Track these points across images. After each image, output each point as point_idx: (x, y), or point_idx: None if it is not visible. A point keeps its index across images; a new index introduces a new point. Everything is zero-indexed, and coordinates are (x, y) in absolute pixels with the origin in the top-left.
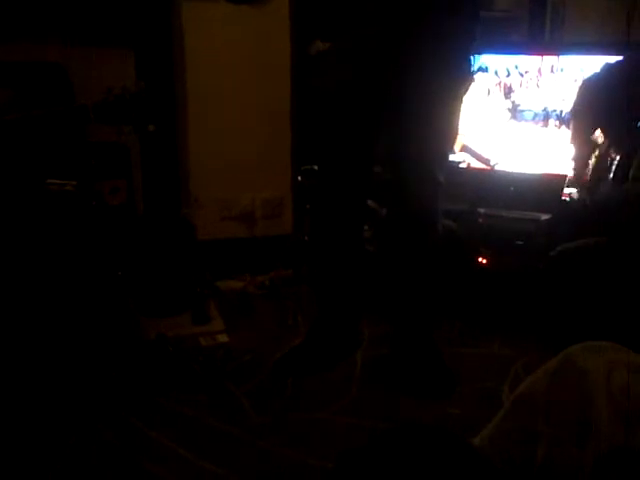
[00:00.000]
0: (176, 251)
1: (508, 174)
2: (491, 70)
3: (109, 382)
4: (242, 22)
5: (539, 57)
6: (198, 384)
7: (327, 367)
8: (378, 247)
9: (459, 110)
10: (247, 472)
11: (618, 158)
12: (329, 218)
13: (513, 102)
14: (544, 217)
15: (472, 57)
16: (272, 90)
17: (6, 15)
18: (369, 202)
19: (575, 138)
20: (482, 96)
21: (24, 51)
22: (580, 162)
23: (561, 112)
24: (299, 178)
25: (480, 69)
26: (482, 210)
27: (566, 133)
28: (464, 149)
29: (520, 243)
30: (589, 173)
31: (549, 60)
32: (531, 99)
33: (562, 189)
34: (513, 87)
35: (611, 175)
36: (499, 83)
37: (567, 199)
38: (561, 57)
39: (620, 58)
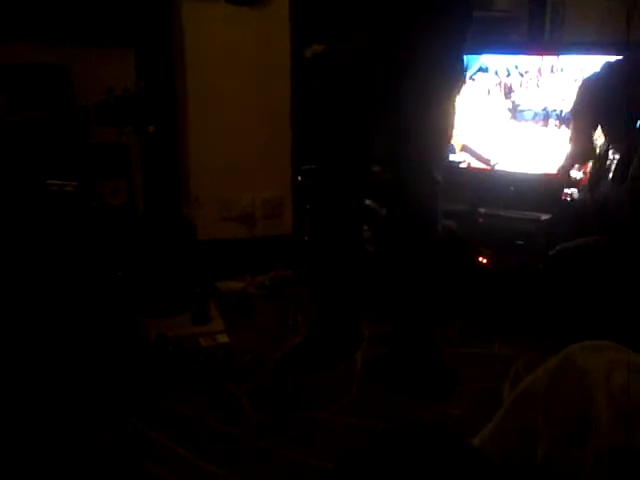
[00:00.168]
0: (176, 251)
1: (508, 174)
2: (491, 70)
3: (109, 382)
4: (242, 22)
5: (539, 57)
6: (198, 384)
7: (327, 367)
8: (378, 247)
9: (454, 109)
10: (247, 472)
11: (618, 157)
12: (328, 218)
13: (513, 102)
14: (544, 217)
15: (464, 57)
16: (272, 90)
17: (6, 17)
18: (369, 202)
19: (574, 138)
20: (482, 96)
21: (25, 52)
22: (573, 161)
23: (561, 112)
24: (299, 178)
25: (480, 69)
26: (482, 210)
27: (566, 133)
28: (464, 149)
29: (520, 243)
30: (589, 173)
31: (549, 60)
32: (531, 99)
33: (562, 189)
34: (513, 87)
35: (611, 174)
36: (499, 83)
37: (567, 199)
38: (561, 57)
39: (620, 58)
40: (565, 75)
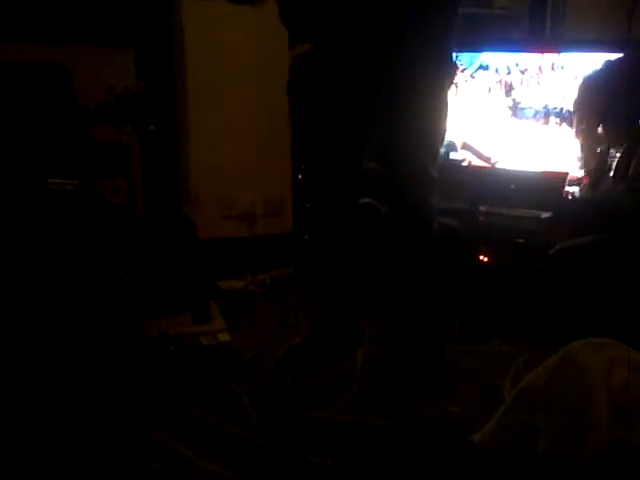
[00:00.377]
0: (177, 250)
1: (509, 172)
2: (492, 68)
3: (110, 381)
4: (243, 22)
5: (539, 54)
6: (199, 383)
7: (328, 365)
8: (378, 244)
9: (446, 104)
10: (248, 470)
11: (618, 156)
12: (324, 216)
13: (514, 100)
14: (545, 215)
15: (453, 52)
16: (272, 89)
17: (7, 16)
18: (370, 200)
19: (580, 135)
20: (483, 94)
21: (25, 51)
22: (589, 156)
23: (562, 109)
24: (299, 177)
25: (481, 67)
26: (483, 208)
27: (567, 130)
28: (465, 147)
29: (521, 241)
30: (589, 171)
31: (549, 57)
32: (532, 97)
33: (563, 187)
34: (514, 85)
35: (611, 173)
36: (500, 81)
37: (568, 197)
38: (562, 54)
39: (620, 56)
40: (566, 73)
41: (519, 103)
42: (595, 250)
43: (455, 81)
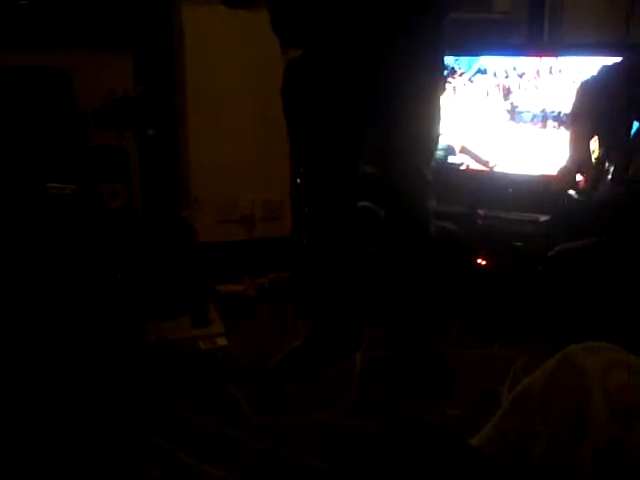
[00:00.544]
0: (176, 254)
1: (507, 175)
2: (490, 72)
3: (109, 385)
4: (241, 26)
5: (538, 58)
6: (198, 387)
7: (327, 369)
8: (376, 248)
9: (440, 108)
10: (247, 474)
11: (616, 159)
12: (322, 219)
13: (512, 103)
14: (543, 218)
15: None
16: (271, 93)
17: (6, 21)
18: (369, 204)
19: (574, 143)
20: (481, 98)
21: (25, 56)
22: (575, 164)
23: (559, 113)
24: (298, 180)
25: (479, 71)
26: (481, 211)
27: (564, 134)
28: (463, 151)
29: (519, 244)
30: (587, 174)
31: (547, 61)
32: (530, 100)
33: (566, 192)
34: (512, 89)
35: (609, 176)
36: (498, 85)
37: (566, 200)
38: (559, 58)
39: (619, 60)
40: (563, 76)
41: (517, 107)
42: (594, 253)
43: (448, 85)
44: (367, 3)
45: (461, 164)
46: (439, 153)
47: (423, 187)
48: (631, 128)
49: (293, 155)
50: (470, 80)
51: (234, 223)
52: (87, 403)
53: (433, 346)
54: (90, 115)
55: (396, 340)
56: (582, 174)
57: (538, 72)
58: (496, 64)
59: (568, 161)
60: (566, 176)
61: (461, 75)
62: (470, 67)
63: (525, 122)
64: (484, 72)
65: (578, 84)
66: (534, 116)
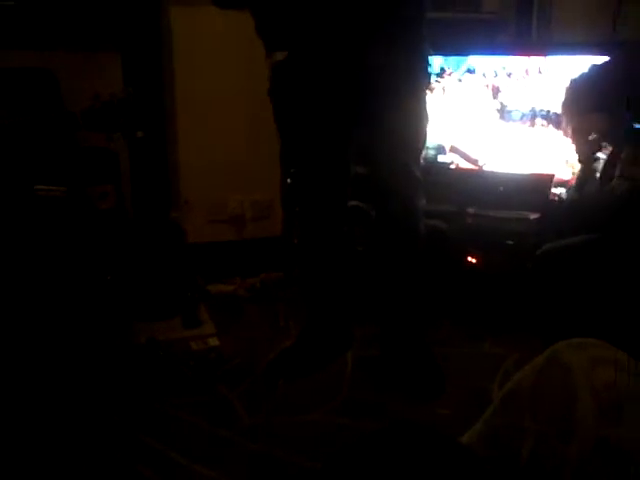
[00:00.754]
0: (166, 255)
1: (496, 174)
2: (479, 71)
3: (100, 387)
4: (230, 26)
5: (526, 57)
6: (189, 388)
7: (319, 368)
8: (367, 247)
9: (426, 105)
10: (239, 475)
11: (605, 157)
12: (313, 219)
13: (501, 103)
14: (533, 216)
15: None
16: (261, 93)
17: None
18: (360, 203)
19: (572, 137)
20: (470, 97)
21: (11, 56)
22: (586, 156)
23: (548, 112)
24: (288, 180)
25: (468, 70)
26: (471, 210)
27: (553, 132)
28: (453, 150)
29: (509, 242)
30: (576, 172)
31: (536, 61)
32: (519, 99)
33: (550, 188)
34: (501, 88)
35: (598, 174)
36: (487, 84)
37: (555, 198)
38: (548, 57)
39: (607, 59)
40: (552, 75)
41: (506, 106)
42: (582, 251)
43: (437, 85)
44: (348, 4)
45: (451, 163)
46: (429, 152)
47: (412, 185)
48: (621, 125)
49: (284, 155)
50: (459, 80)
51: (224, 223)
52: (79, 404)
53: (424, 345)
54: (79, 117)
55: (387, 339)
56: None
57: (527, 71)
58: (485, 63)
59: (579, 154)
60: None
61: (450, 75)
62: (459, 67)
63: (514, 121)
64: (473, 72)
65: (567, 83)
66: (523, 115)
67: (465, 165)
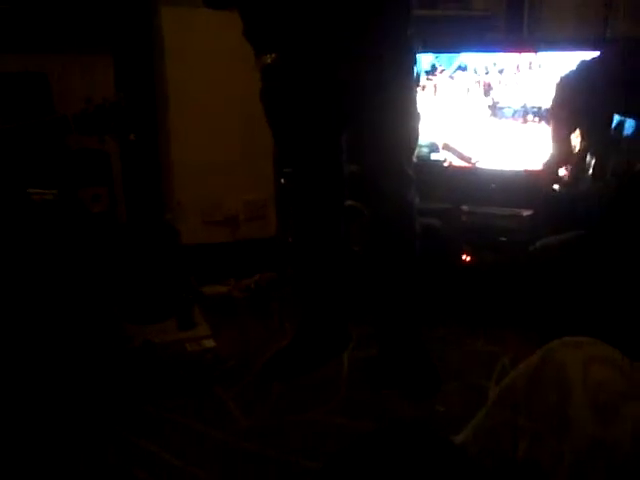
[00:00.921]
0: (160, 257)
1: (489, 171)
2: (470, 68)
3: (95, 390)
4: (222, 27)
5: (517, 54)
6: (185, 389)
7: (315, 368)
8: (363, 246)
9: (416, 103)
10: (236, 476)
11: (597, 154)
12: (308, 219)
13: (493, 99)
14: (526, 213)
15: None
16: (254, 94)
17: None
18: (355, 202)
19: (555, 138)
20: (462, 94)
21: (4, 60)
22: (558, 159)
23: (539, 108)
24: (282, 180)
25: (459, 68)
26: (465, 207)
27: (545, 129)
28: (446, 147)
29: (503, 239)
30: (569, 169)
31: (527, 57)
32: (510, 96)
33: (551, 187)
34: (492, 85)
35: (590, 171)
36: (478, 81)
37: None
38: (539, 54)
39: (597, 55)
40: (543, 72)
41: (498, 103)
42: (575, 247)
43: (429, 83)
44: (334, 4)
45: (444, 161)
46: (422, 150)
47: (405, 183)
48: (611, 122)
49: (278, 156)
50: (451, 77)
51: (218, 224)
52: (74, 406)
53: (420, 344)
54: (71, 121)
55: (383, 339)
56: (565, 168)
57: (518, 68)
58: (476, 60)
59: (551, 156)
60: (550, 170)
61: (442, 72)
62: (450, 64)
63: (506, 118)
64: (464, 69)
65: (558, 79)
66: (515, 111)
67: (458, 163)
